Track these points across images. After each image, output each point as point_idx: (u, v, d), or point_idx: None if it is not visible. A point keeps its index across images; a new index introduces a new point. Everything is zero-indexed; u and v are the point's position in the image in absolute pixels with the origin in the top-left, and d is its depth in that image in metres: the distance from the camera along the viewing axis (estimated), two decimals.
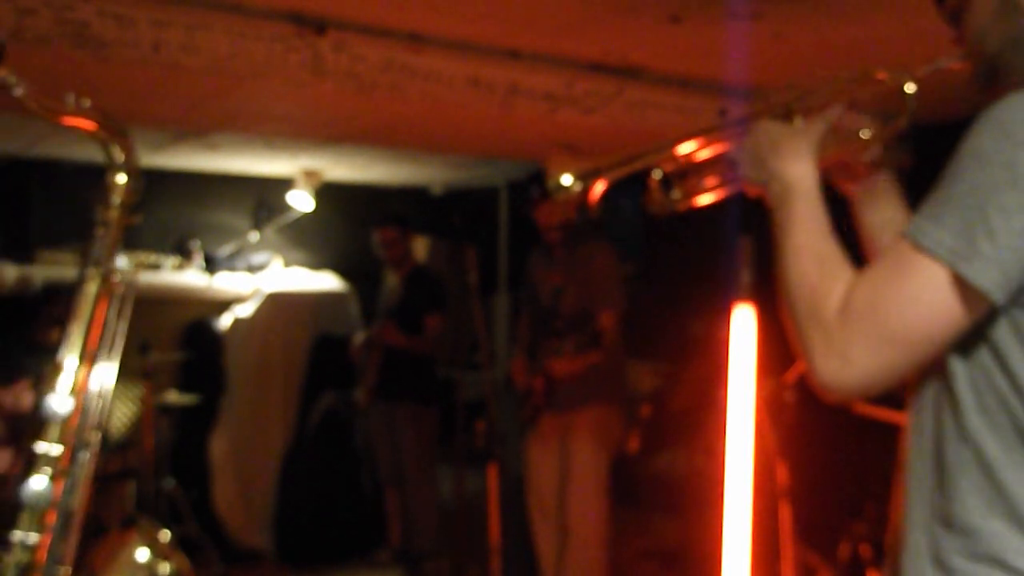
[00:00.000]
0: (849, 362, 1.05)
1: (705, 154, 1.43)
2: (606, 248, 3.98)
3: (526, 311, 4.21)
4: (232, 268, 5.65)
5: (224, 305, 5.47)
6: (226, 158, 5.34)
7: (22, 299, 4.69)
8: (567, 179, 1.44)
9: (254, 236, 5.88)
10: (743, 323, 2.71)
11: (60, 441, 1.14)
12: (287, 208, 5.81)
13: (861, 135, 1.32)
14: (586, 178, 1.44)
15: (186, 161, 5.44)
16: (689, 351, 4.50)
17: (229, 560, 4.75)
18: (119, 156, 1.25)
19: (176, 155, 5.21)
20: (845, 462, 4.01)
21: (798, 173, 1.22)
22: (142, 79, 3.11)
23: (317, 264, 6.18)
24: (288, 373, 5.32)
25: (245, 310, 5.37)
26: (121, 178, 1.24)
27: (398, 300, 4.87)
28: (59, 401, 1.15)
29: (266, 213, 5.99)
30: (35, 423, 1.14)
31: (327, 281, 5.82)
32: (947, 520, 1.07)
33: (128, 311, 1.22)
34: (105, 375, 1.20)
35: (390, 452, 4.86)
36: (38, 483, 1.11)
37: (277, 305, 5.37)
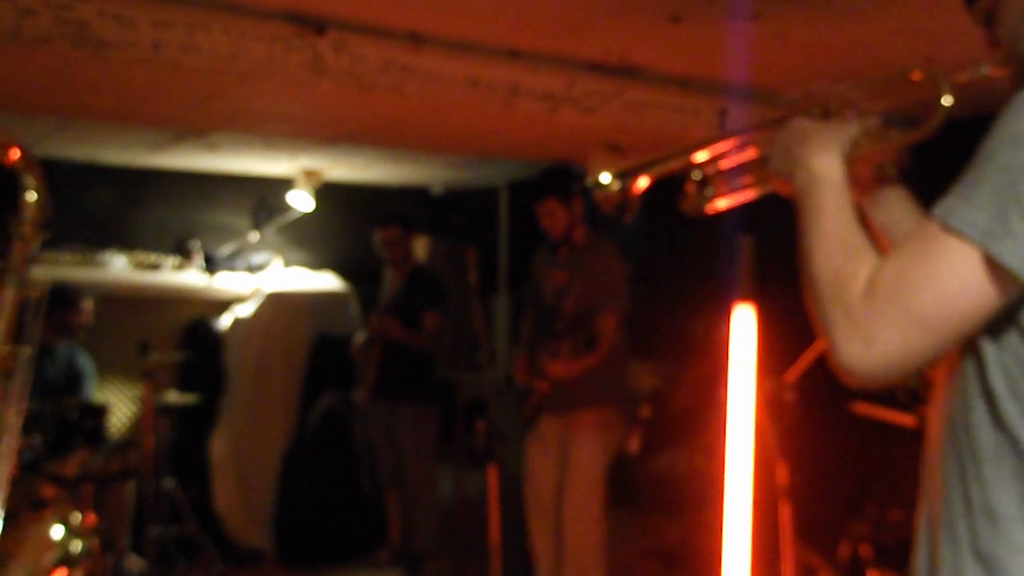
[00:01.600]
0: (873, 344, 1.03)
1: (740, 154, 1.43)
2: (612, 248, 3.95)
3: (530, 309, 4.20)
4: (232, 268, 5.65)
5: (224, 305, 5.47)
6: (226, 158, 5.35)
7: (22, 299, 4.69)
8: (606, 177, 1.44)
9: (254, 236, 5.88)
10: (743, 323, 2.71)
11: None
12: (287, 208, 5.81)
13: (889, 140, 1.29)
14: (624, 176, 1.43)
15: (186, 161, 5.44)
16: (689, 351, 4.50)
17: (229, 560, 4.75)
18: (31, 182, 1.48)
19: (176, 155, 5.21)
20: (845, 462, 4.01)
21: (824, 164, 1.21)
22: (142, 79, 3.11)
23: (317, 264, 6.18)
24: (288, 373, 5.31)
25: (245, 310, 5.37)
26: (31, 196, 1.48)
27: (398, 297, 4.87)
28: None
29: (266, 213, 5.98)
30: None
31: (327, 281, 5.82)
32: (986, 510, 1.05)
33: (41, 312, 1.42)
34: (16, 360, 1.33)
35: (390, 452, 4.86)
36: None
37: (277, 305, 5.37)
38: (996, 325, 1.03)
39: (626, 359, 4.01)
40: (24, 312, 1.44)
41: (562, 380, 3.81)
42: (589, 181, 1.45)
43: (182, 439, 5.01)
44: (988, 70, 1.19)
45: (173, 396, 4.62)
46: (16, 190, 1.43)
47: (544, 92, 3.52)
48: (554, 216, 3.88)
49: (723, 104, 3.89)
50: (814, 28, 2.97)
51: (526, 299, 4.32)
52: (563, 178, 3.92)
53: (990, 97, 1.17)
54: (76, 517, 1.57)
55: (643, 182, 1.45)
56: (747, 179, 1.43)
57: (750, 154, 1.42)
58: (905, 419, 3.29)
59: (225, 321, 5.38)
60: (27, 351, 1.40)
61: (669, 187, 1.54)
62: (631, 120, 3.72)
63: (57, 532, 1.50)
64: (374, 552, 5.05)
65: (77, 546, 1.52)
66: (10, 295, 1.42)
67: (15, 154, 1.44)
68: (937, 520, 1.12)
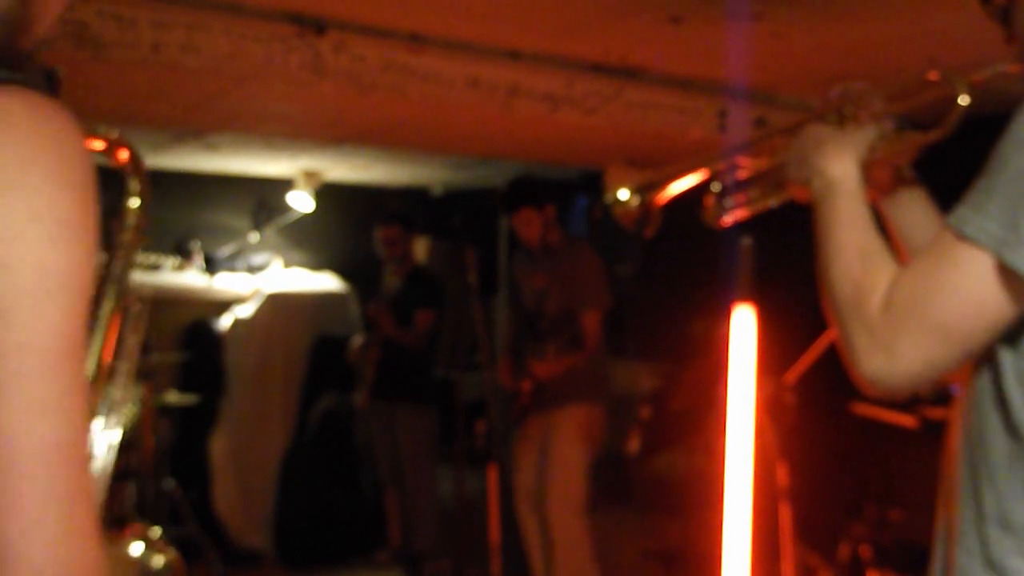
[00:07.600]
0: (894, 356, 1.03)
1: (757, 163, 1.43)
2: (586, 247, 4.09)
3: (510, 313, 4.28)
4: (232, 268, 5.65)
5: (224, 305, 5.47)
6: (226, 158, 5.34)
7: (121, 309, 4.69)
8: (624, 193, 1.43)
9: (254, 236, 5.88)
10: (743, 323, 2.71)
11: None
12: (287, 208, 5.81)
13: (906, 141, 1.28)
14: (643, 192, 1.43)
15: (186, 161, 5.44)
16: (689, 351, 4.50)
17: (229, 560, 4.74)
18: (135, 187, 1.35)
19: (176, 155, 5.21)
20: (845, 462, 4.01)
21: (840, 170, 1.21)
22: (142, 79, 3.11)
23: (317, 264, 6.18)
24: (288, 373, 5.31)
25: (245, 310, 5.37)
26: (135, 202, 1.34)
27: (395, 296, 4.88)
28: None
29: (266, 213, 5.99)
30: None
31: (327, 281, 5.82)
32: (1001, 520, 1.05)
33: (141, 327, 1.29)
34: (120, 388, 1.28)
35: (390, 452, 4.86)
36: None
37: (277, 305, 5.37)
38: (1012, 332, 1.02)
39: (605, 357, 4.09)
40: (124, 322, 1.35)
41: (549, 380, 3.88)
42: (608, 198, 1.45)
43: (182, 439, 5.01)
44: (1004, 68, 1.18)
45: (173, 396, 4.62)
46: (120, 195, 1.32)
47: (544, 93, 3.51)
48: (531, 224, 4.00)
49: (723, 105, 3.89)
50: (814, 28, 2.97)
51: (508, 302, 4.39)
52: (533, 187, 4.08)
53: (999, 95, 1.16)
54: (155, 532, 1.55)
55: (663, 196, 1.44)
56: (765, 188, 1.43)
57: (767, 163, 1.42)
58: (905, 419, 3.29)
59: (225, 321, 5.38)
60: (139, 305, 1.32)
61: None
62: (631, 121, 3.72)
63: (137, 549, 1.49)
64: (374, 552, 5.05)
65: (159, 561, 1.51)
66: (110, 305, 1.31)
67: (124, 155, 1.32)
68: (953, 529, 1.11)
